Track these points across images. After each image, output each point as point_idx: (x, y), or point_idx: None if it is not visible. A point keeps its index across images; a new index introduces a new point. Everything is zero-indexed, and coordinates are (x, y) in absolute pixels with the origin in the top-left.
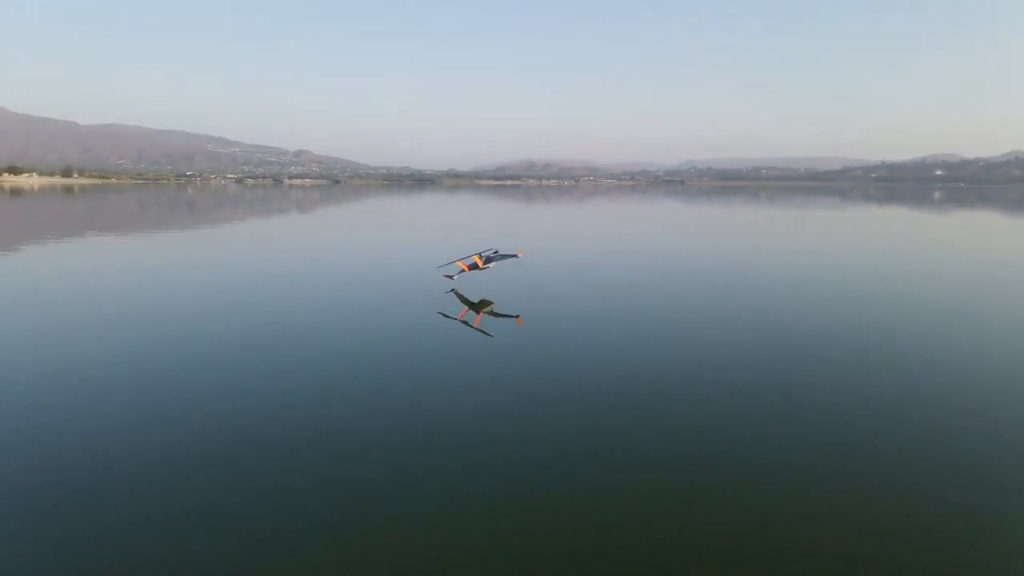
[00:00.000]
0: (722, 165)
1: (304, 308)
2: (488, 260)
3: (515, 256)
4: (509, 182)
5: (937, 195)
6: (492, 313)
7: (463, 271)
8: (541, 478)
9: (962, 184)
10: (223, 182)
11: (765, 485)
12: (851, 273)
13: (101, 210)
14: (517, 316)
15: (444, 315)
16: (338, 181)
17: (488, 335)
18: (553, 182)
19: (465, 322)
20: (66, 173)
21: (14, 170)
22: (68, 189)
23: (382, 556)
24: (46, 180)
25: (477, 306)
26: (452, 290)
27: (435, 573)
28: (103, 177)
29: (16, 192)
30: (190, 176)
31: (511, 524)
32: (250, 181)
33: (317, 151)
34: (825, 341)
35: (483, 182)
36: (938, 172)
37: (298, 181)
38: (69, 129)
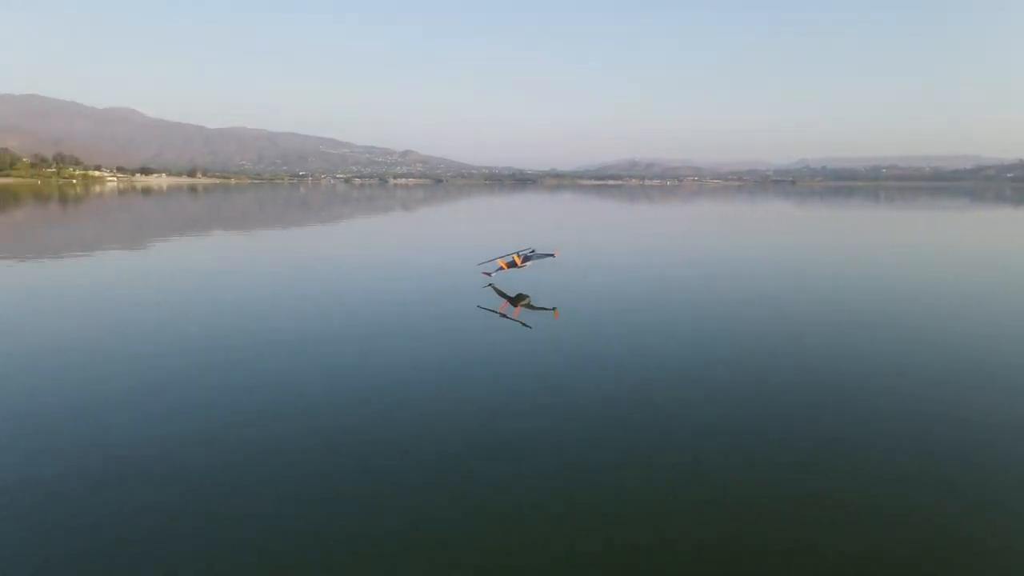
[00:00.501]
0: (838, 164)
1: (388, 300)
2: (526, 259)
3: (551, 256)
4: (611, 182)
5: None
6: (529, 306)
7: (501, 268)
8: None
9: None
10: (332, 182)
11: (847, 497)
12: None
13: (222, 207)
14: (554, 308)
15: (483, 308)
16: (440, 180)
17: (527, 326)
18: (655, 182)
19: (504, 314)
20: (191, 173)
21: (146, 171)
22: (192, 188)
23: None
24: (173, 180)
25: (514, 299)
26: (489, 285)
27: None
28: (224, 177)
29: (147, 191)
30: (302, 176)
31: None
32: (357, 180)
33: (422, 151)
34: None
35: (584, 182)
36: None
37: (402, 180)
38: (197, 133)
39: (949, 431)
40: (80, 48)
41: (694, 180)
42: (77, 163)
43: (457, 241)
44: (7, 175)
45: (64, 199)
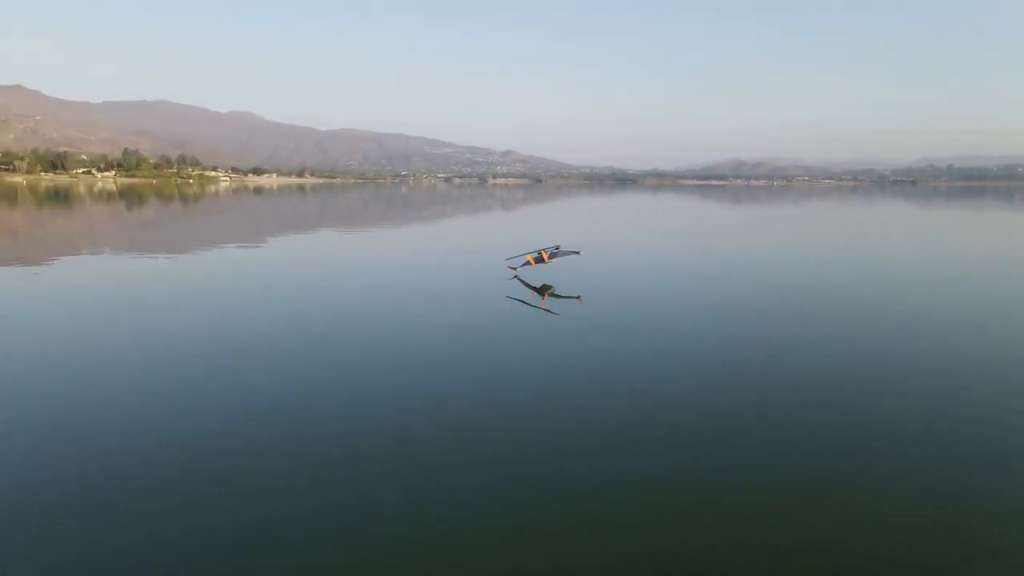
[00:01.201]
0: (965, 163)
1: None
2: (552, 255)
3: (577, 253)
4: (714, 182)
5: None
6: (554, 295)
7: (528, 263)
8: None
9: None
10: (432, 181)
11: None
12: None
13: (329, 205)
14: (579, 297)
15: (514, 299)
16: (540, 180)
17: (553, 313)
18: (762, 182)
19: (532, 303)
20: (299, 174)
21: (257, 171)
22: (300, 187)
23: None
24: (283, 180)
25: (540, 290)
26: (515, 277)
27: None
28: (329, 177)
29: (258, 190)
30: (404, 175)
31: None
32: (457, 180)
33: (523, 151)
34: None
35: (686, 182)
36: None
37: (501, 180)
38: (309, 135)
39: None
40: (206, 56)
41: (804, 180)
42: (196, 164)
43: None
44: (132, 175)
45: (183, 197)
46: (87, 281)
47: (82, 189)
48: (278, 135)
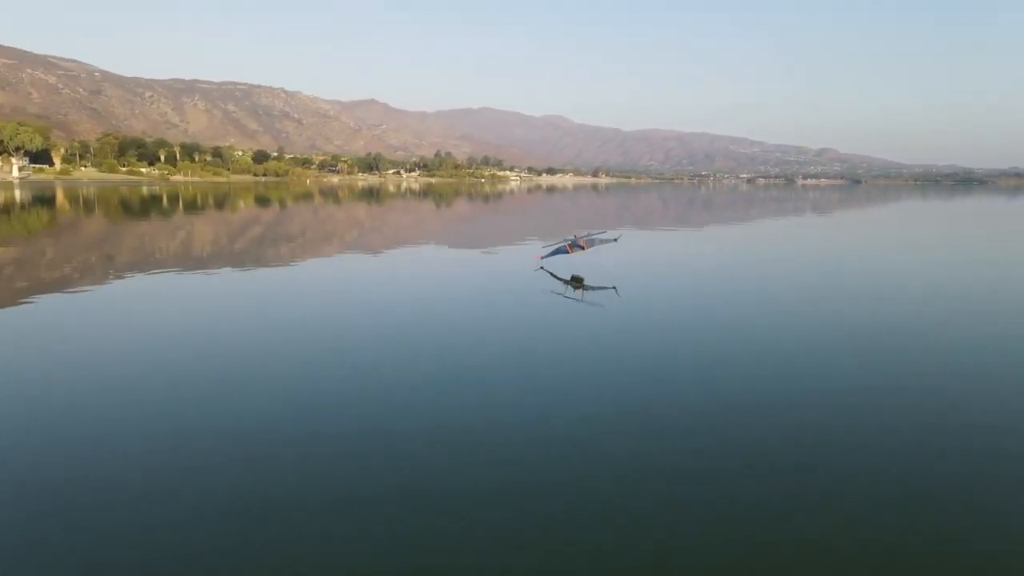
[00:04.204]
0: None
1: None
2: (590, 242)
3: (614, 240)
4: None
5: None
6: (587, 287)
7: (567, 252)
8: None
9: None
10: (734, 182)
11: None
12: None
13: (631, 204)
14: (614, 287)
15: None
16: (859, 181)
17: (600, 305)
18: None
19: (571, 297)
20: (594, 173)
21: (551, 171)
22: (594, 187)
23: None
24: (577, 179)
25: (573, 283)
26: (541, 267)
27: None
28: (624, 177)
29: (551, 189)
30: (704, 176)
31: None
32: (761, 180)
33: (842, 149)
34: None
35: None
36: None
37: (812, 181)
38: (613, 136)
39: None
40: (524, 66)
41: None
42: (498, 164)
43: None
44: (433, 175)
45: (477, 194)
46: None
47: (390, 188)
48: (584, 136)
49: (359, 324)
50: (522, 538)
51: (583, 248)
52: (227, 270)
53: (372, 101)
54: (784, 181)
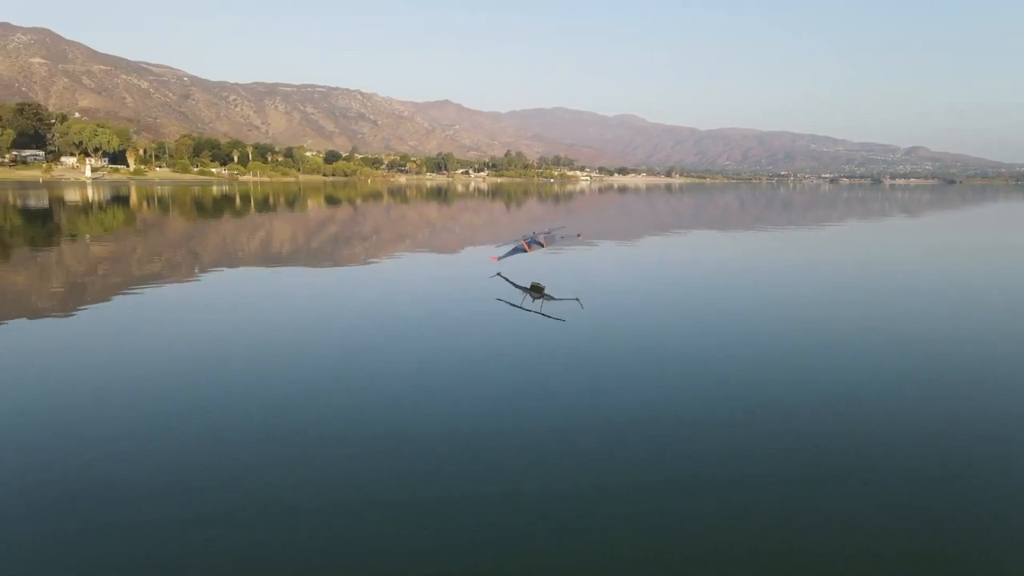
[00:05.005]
0: None
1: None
2: (550, 239)
3: (577, 236)
4: None
5: None
6: (548, 297)
7: (525, 251)
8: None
9: None
10: (816, 182)
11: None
12: None
13: (707, 206)
14: (576, 298)
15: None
16: (953, 181)
17: (560, 320)
18: None
19: (528, 308)
20: (667, 173)
21: (623, 171)
22: (667, 187)
23: None
24: (650, 179)
25: (532, 291)
26: (498, 274)
27: None
28: (699, 177)
29: (623, 189)
30: (783, 176)
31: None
32: (845, 180)
33: (933, 148)
34: None
35: None
36: None
37: (900, 180)
38: (689, 135)
39: None
40: (597, 65)
41: None
42: (569, 164)
43: None
44: (501, 174)
45: (546, 194)
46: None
47: (458, 187)
48: (658, 136)
49: (409, 323)
50: (522, 543)
51: (542, 245)
52: (290, 269)
53: (446, 102)
54: (870, 181)
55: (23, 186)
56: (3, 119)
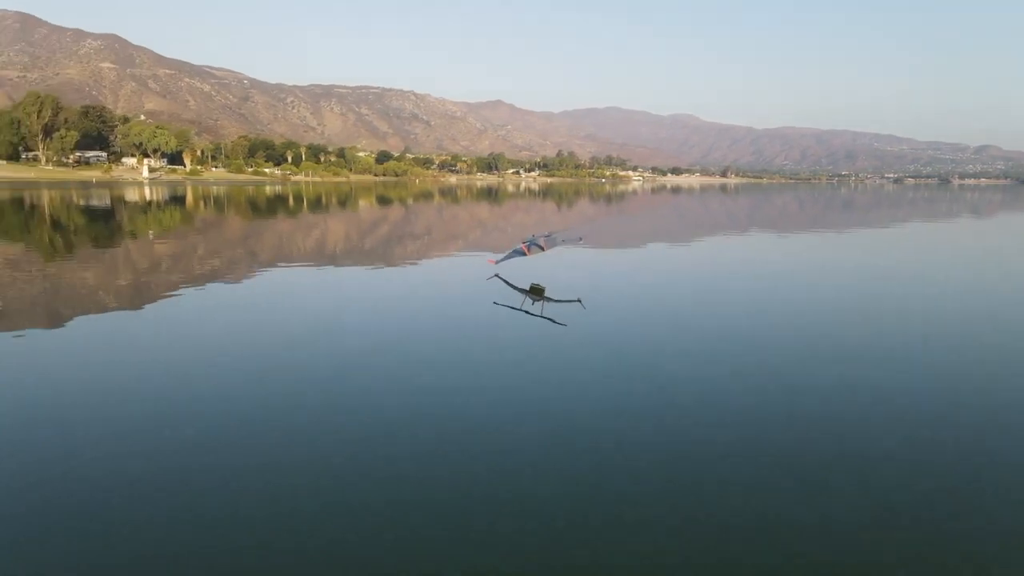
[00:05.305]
0: None
1: None
2: (551, 242)
3: (580, 239)
4: None
5: None
6: (549, 299)
7: (525, 255)
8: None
9: None
10: (879, 182)
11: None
12: None
13: (764, 206)
14: (578, 299)
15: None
16: None
17: (561, 324)
18: None
19: (528, 312)
20: (723, 173)
21: (676, 171)
22: (722, 187)
23: None
24: (704, 179)
25: (532, 292)
26: (496, 275)
27: None
28: (755, 177)
29: (676, 189)
30: (844, 176)
31: None
32: (910, 180)
33: (1005, 146)
34: None
35: None
36: None
37: (970, 180)
38: (745, 134)
39: None
40: (651, 65)
41: None
42: (621, 164)
43: None
44: (552, 174)
45: (595, 196)
46: None
47: (509, 187)
48: (713, 135)
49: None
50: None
51: (543, 249)
52: (343, 268)
53: (498, 102)
54: (937, 181)
55: (83, 186)
56: (68, 121)
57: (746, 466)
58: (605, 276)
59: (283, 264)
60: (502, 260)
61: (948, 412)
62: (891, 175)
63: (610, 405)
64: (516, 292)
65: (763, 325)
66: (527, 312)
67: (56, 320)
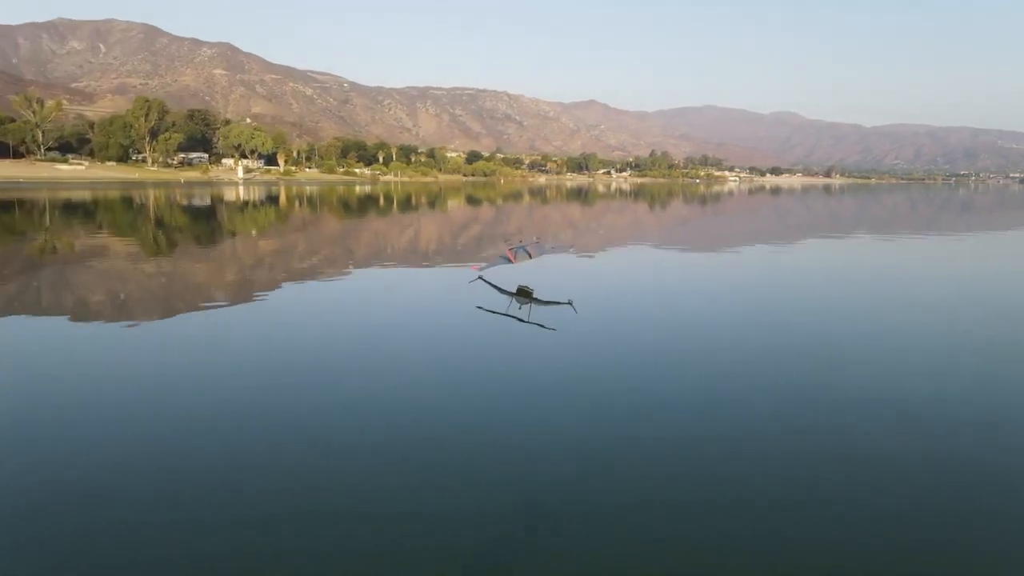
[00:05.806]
0: None
1: None
2: (539, 250)
3: (570, 248)
4: None
5: None
6: (538, 301)
7: (511, 262)
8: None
9: None
10: (1003, 182)
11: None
12: None
13: (868, 207)
14: (570, 301)
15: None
16: None
17: (551, 328)
18: None
19: (517, 317)
20: (826, 173)
21: (776, 171)
22: (826, 188)
23: None
24: (806, 180)
25: (518, 295)
26: (479, 277)
27: None
28: (863, 177)
29: (775, 190)
30: (963, 175)
31: None
32: None
33: None
34: None
35: None
36: None
37: None
38: (852, 132)
39: None
40: (750, 62)
41: None
42: (717, 164)
43: None
44: (644, 174)
45: (689, 197)
46: None
47: (599, 188)
48: (816, 133)
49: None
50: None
51: (530, 256)
52: (427, 269)
53: (592, 102)
54: None
55: (176, 185)
56: (175, 124)
57: (755, 481)
58: (695, 279)
59: (376, 264)
60: (486, 268)
61: None
62: (1017, 174)
63: (622, 414)
64: (504, 296)
65: (849, 333)
66: (516, 317)
67: (154, 315)
